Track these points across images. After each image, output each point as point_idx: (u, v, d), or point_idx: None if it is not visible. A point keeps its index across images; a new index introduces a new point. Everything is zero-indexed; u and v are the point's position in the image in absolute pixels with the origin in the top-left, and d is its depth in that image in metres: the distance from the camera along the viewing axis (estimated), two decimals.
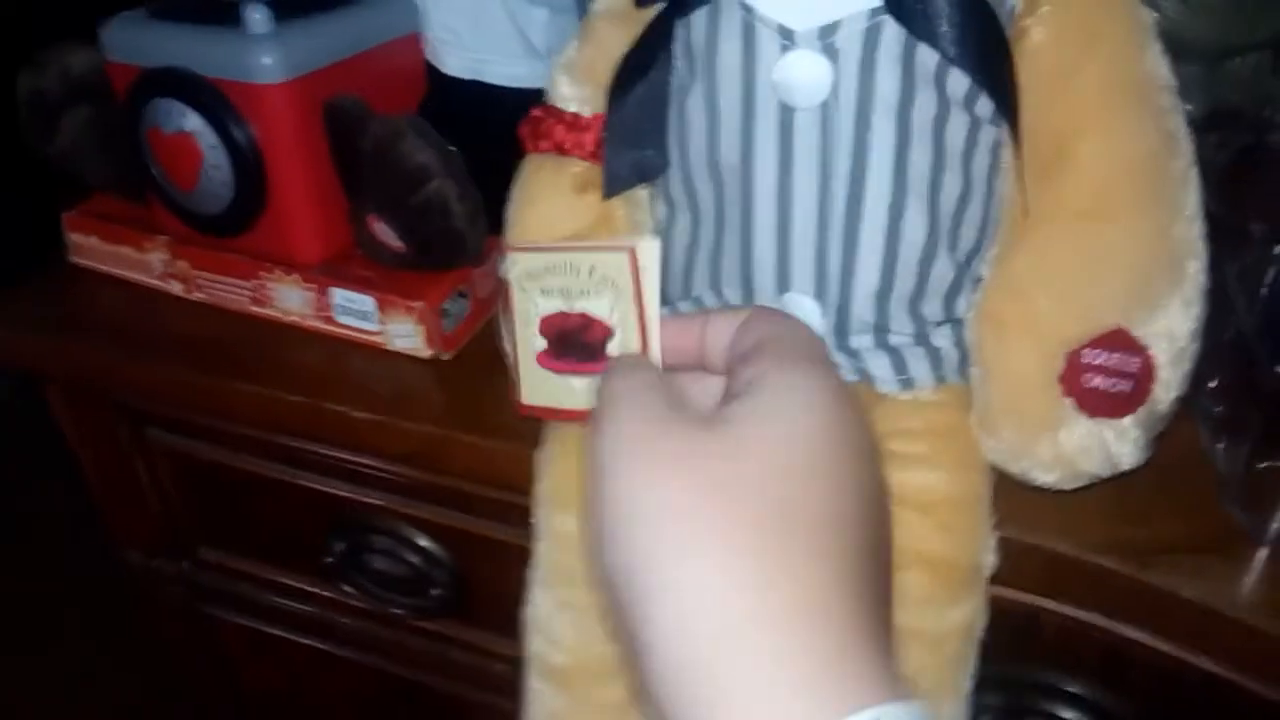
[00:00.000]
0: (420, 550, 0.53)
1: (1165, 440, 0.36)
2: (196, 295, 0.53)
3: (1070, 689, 0.44)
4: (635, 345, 0.32)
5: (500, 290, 0.35)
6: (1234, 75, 0.55)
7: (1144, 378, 0.34)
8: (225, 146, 0.45)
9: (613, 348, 0.32)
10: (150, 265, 0.54)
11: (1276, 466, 0.38)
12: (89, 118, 0.52)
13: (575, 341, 0.33)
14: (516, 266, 0.34)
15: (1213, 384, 0.41)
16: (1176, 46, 0.35)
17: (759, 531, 0.22)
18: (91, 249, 0.55)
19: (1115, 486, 0.36)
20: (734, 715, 0.20)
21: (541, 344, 0.34)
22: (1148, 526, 0.39)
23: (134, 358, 0.52)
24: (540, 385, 0.34)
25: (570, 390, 0.34)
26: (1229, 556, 0.38)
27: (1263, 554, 0.38)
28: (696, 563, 0.22)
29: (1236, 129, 0.54)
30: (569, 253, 0.33)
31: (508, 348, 0.36)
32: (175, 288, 0.54)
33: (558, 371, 0.34)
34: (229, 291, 0.52)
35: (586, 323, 0.33)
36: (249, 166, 0.46)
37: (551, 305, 0.33)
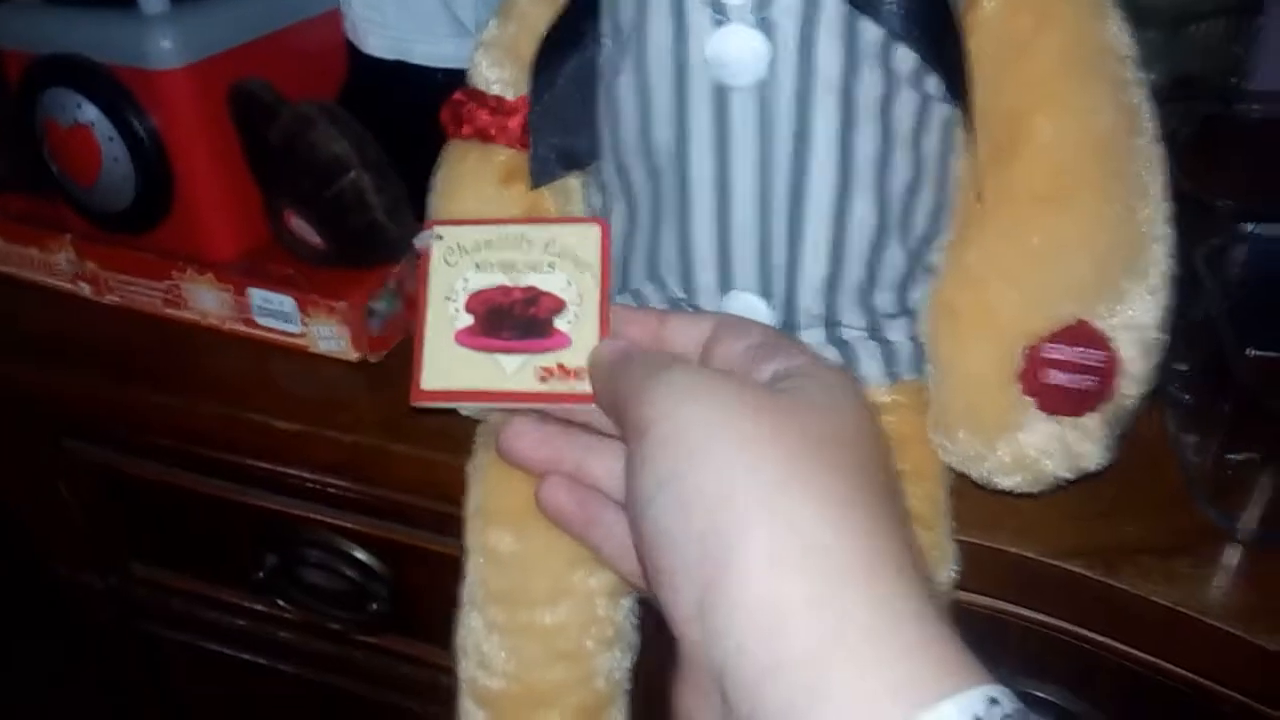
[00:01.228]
0: (356, 563, 0.51)
1: (1131, 433, 0.34)
2: (109, 298, 0.50)
3: (1040, 694, 0.42)
4: (593, 321, 0.31)
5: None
6: (1195, 42, 0.53)
7: (1108, 372, 0.32)
8: (124, 139, 0.42)
9: (564, 323, 0.31)
10: (58, 266, 0.50)
11: (1250, 459, 0.37)
12: None
13: (514, 317, 0.32)
14: (444, 240, 0.33)
15: (1181, 371, 0.39)
16: (1134, 12, 0.33)
17: (850, 484, 0.22)
18: None
19: (1081, 486, 0.34)
20: (836, 675, 0.19)
21: (466, 320, 0.32)
22: (1115, 527, 0.37)
23: (44, 366, 0.49)
24: (453, 367, 0.32)
25: (497, 369, 0.32)
26: (1200, 557, 0.36)
27: (1235, 553, 0.36)
28: (789, 497, 0.22)
29: (1199, 98, 0.52)
30: (521, 225, 0.33)
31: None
32: (85, 290, 0.50)
33: (484, 349, 0.32)
34: (141, 293, 0.48)
35: (533, 296, 0.32)
36: (151, 159, 0.42)
37: (488, 279, 0.32)
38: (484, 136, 0.37)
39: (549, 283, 0.32)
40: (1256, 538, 0.36)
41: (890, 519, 0.23)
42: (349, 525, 0.50)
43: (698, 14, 0.31)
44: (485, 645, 0.38)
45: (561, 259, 0.32)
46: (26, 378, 0.50)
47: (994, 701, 0.19)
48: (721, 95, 0.32)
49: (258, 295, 0.45)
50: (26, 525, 0.61)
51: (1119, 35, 0.32)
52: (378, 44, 0.48)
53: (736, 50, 0.31)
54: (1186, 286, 0.33)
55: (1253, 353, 0.40)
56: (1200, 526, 0.37)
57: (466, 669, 0.39)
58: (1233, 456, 0.37)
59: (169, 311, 0.48)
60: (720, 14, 0.31)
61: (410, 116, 0.43)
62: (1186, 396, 0.40)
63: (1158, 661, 0.37)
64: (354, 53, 0.49)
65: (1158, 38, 0.50)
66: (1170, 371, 0.39)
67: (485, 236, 0.33)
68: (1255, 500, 0.36)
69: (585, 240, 0.32)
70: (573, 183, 0.38)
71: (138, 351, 0.48)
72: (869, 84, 0.31)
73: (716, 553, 0.21)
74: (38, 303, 0.51)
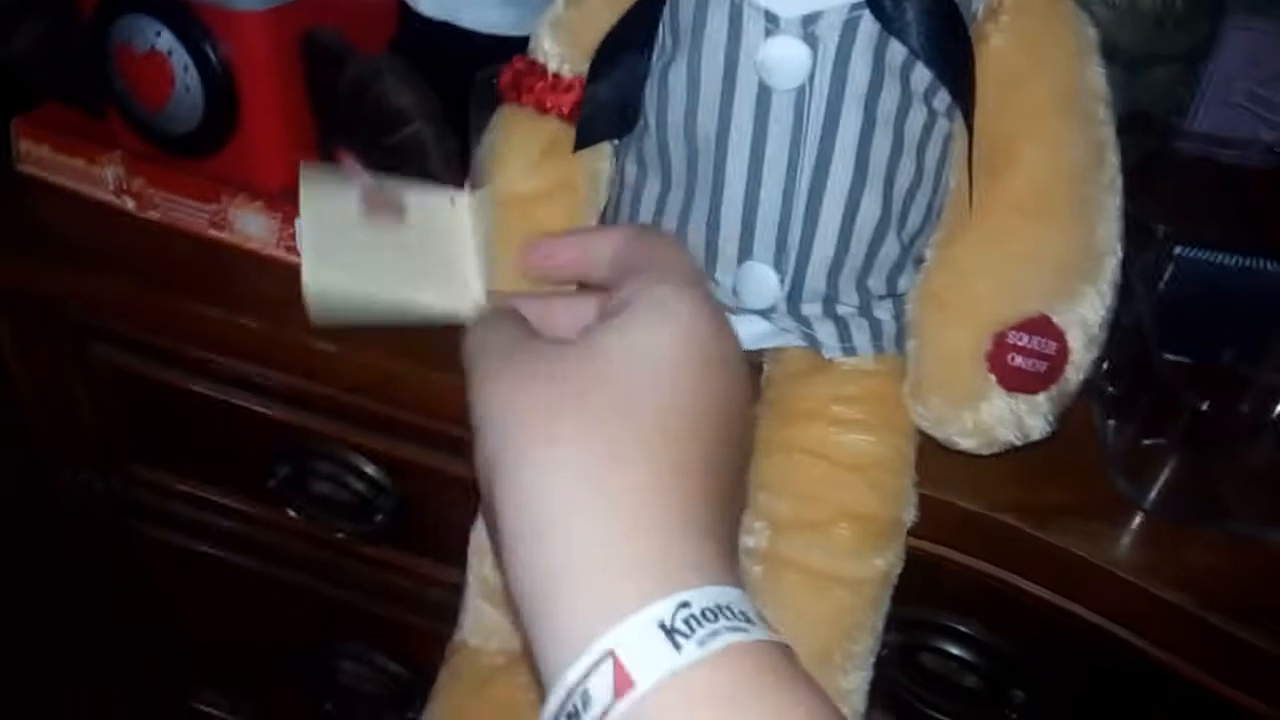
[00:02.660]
0: (365, 477, 0.55)
1: (1065, 416, 0.40)
2: (150, 214, 0.53)
3: (962, 629, 0.49)
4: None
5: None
6: (1151, 83, 0.60)
7: (1059, 360, 0.38)
8: (199, 70, 0.45)
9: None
10: (103, 179, 0.53)
11: (1159, 444, 0.44)
12: (48, 25, 0.51)
13: None
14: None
15: (1108, 366, 0.46)
16: (1106, 50, 0.38)
17: (605, 424, 0.25)
18: (41, 158, 0.54)
19: (1020, 454, 0.40)
20: (572, 586, 0.23)
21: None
22: (1046, 490, 0.43)
23: (83, 270, 0.52)
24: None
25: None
26: (1112, 521, 0.43)
27: (1140, 519, 0.43)
28: (548, 449, 0.24)
29: (1147, 133, 0.59)
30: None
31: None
32: (128, 204, 0.53)
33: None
34: (186, 213, 0.52)
35: None
36: (220, 92, 0.46)
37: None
38: (540, 108, 0.42)
39: None
40: (1159, 507, 0.43)
41: (644, 455, 0.25)
42: (362, 441, 0.54)
43: (752, 22, 0.36)
44: None
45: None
46: (59, 279, 0.53)
47: (684, 605, 0.22)
48: (764, 95, 0.37)
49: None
50: (33, 422, 0.63)
51: (1098, 79, 0.38)
52: (429, 5, 0.52)
53: (782, 57, 0.36)
54: (1121, 294, 0.40)
55: (1169, 357, 0.47)
56: (1115, 496, 0.43)
57: (479, 568, 0.43)
58: (1146, 441, 0.44)
59: (212, 233, 0.52)
60: (772, 24, 0.36)
61: (453, 76, 0.47)
62: (1111, 388, 0.47)
63: (1069, 604, 0.44)
64: (405, 11, 0.52)
65: (1120, 75, 0.56)
66: (1100, 366, 0.45)
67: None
68: (1159, 477, 0.43)
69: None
70: (602, 165, 0.43)
71: (177, 265, 0.51)
72: (889, 97, 0.37)
73: (489, 505, 0.25)
74: (78, 212, 0.54)
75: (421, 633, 0.61)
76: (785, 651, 0.23)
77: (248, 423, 0.56)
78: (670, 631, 0.21)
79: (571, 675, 0.22)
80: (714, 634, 0.22)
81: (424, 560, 0.58)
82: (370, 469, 0.55)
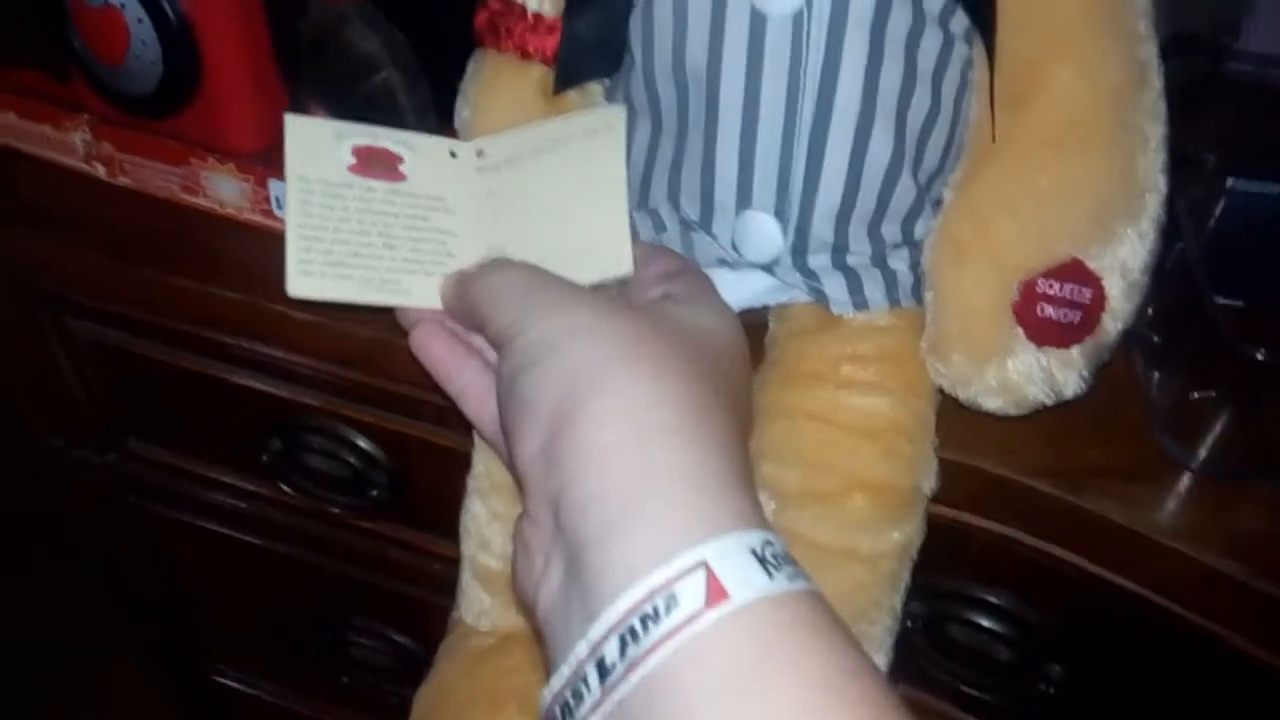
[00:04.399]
0: (359, 451, 0.53)
1: (1101, 369, 0.37)
2: (122, 180, 0.50)
3: (992, 600, 0.46)
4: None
5: None
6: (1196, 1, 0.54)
7: (1094, 309, 0.34)
8: (154, 22, 0.42)
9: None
10: (71, 145, 0.50)
11: (1209, 396, 0.40)
12: None
13: None
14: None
15: (1152, 312, 0.42)
16: None
17: (699, 374, 0.27)
18: (8, 125, 0.51)
19: (1053, 412, 0.37)
20: (668, 495, 0.24)
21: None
22: (1082, 452, 0.40)
23: (54, 242, 0.50)
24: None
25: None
26: (1156, 483, 0.39)
27: (1187, 481, 0.39)
28: (655, 373, 0.26)
29: (1194, 56, 0.54)
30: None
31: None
32: (99, 170, 0.51)
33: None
34: (157, 177, 0.49)
35: None
36: (179, 45, 0.43)
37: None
38: (522, 52, 0.38)
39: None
40: (1208, 466, 0.39)
41: (723, 410, 0.27)
42: (355, 415, 0.52)
43: None
44: (487, 531, 0.41)
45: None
46: (33, 252, 0.51)
47: (769, 543, 0.23)
48: (758, 23, 0.33)
49: (278, 187, 0.46)
50: (22, 398, 0.62)
51: None
52: None
53: None
54: (1165, 233, 0.36)
55: (1221, 300, 0.43)
56: (1159, 455, 0.40)
57: (469, 548, 0.41)
58: (1194, 394, 0.40)
59: (184, 197, 0.49)
60: None
61: (424, 21, 0.43)
62: (1155, 337, 0.43)
63: (1108, 574, 0.41)
64: None
65: None
66: (1143, 313, 0.42)
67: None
68: (1209, 433, 0.39)
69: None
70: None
71: (152, 233, 0.49)
72: (898, 21, 0.33)
73: (566, 408, 0.26)
74: (48, 180, 0.51)
75: (427, 606, 0.59)
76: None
77: (237, 396, 0.53)
78: (762, 560, 0.23)
79: (660, 575, 0.22)
80: (797, 575, 0.23)
81: (423, 534, 0.56)
82: (363, 442, 0.52)
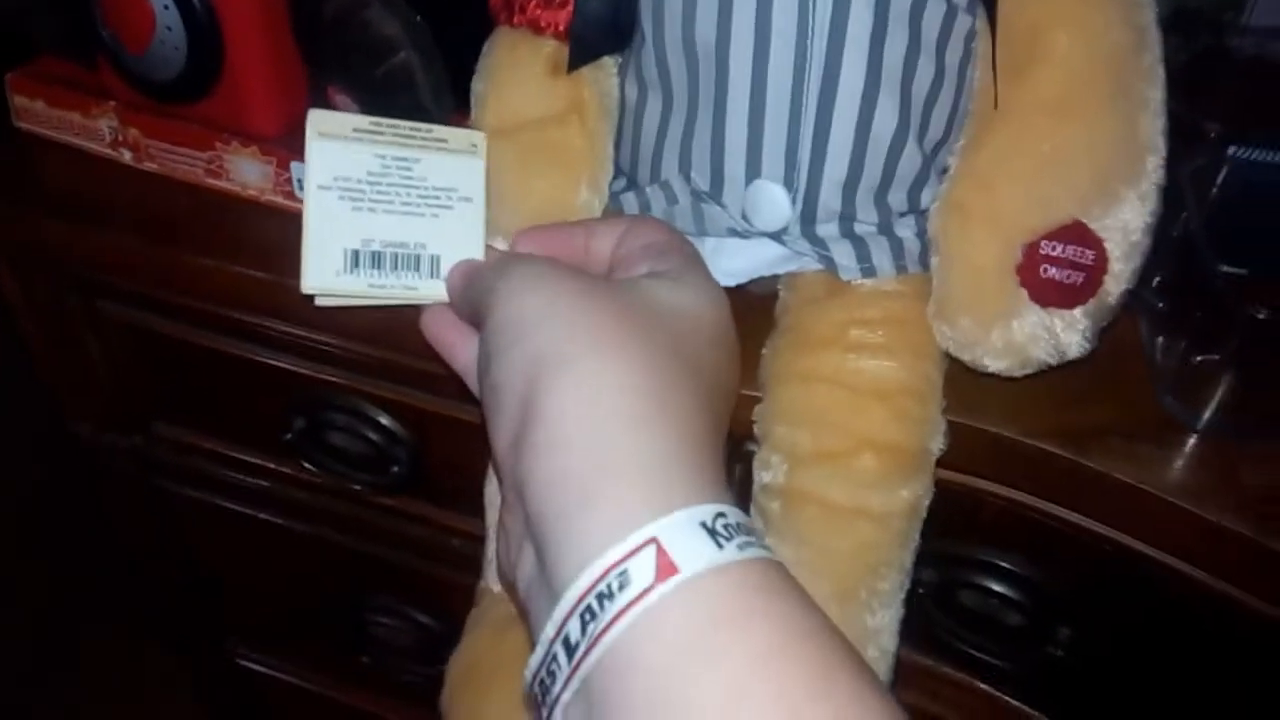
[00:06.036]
0: (381, 428, 0.54)
1: (1106, 332, 0.37)
2: (148, 165, 0.52)
3: (1002, 564, 0.47)
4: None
5: None
6: None
7: (1096, 270, 0.35)
8: (179, 8, 0.43)
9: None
10: (99, 132, 0.52)
11: (1210, 360, 0.40)
12: None
13: None
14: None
15: (1157, 280, 0.43)
16: None
17: (659, 351, 0.28)
18: (37, 113, 0.53)
19: (1058, 375, 0.37)
20: (620, 479, 0.25)
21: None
22: (1087, 412, 0.41)
23: (84, 226, 0.51)
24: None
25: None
26: (1161, 443, 0.40)
27: (1192, 441, 0.40)
28: (614, 353, 0.27)
29: (1197, 31, 0.54)
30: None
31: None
32: (126, 156, 0.52)
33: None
34: (182, 162, 0.50)
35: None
36: (204, 30, 0.44)
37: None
38: (535, 27, 0.39)
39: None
40: (1211, 428, 0.40)
41: (689, 389, 0.28)
42: (376, 391, 0.53)
43: None
44: None
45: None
46: (63, 237, 0.52)
47: (721, 515, 0.24)
48: None
49: (299, 169, 0.47)
50: (51, 383, 0.63)
51: None
52: None
53: None
54: (1169, 202, 0.37)
55: (1223, 268, 0.44)
56: (1163, 416, 0.40)
57: (492, 518, 0.42)
58: (1197, 357, 0.41)
59: (209, 181, 0.50)
60: None
61: (445, 5, 0.44)
62: (1160, 303, 0.44)
63: (1116, 534, 0.41)
64: None
65: None
66: (1147, 280, 0.42)
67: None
68: (1213, 396, 0.40)
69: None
70: (611, 81, 0.40)
71: (178, 216, 0.50)
72: None
73: (530, 396, 0.26)
74: (76, 166, 0.53)
75: (448, 583, 0.60)
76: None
77: (260, 375, 0.55)
78: (712, 532, 0.23)
79: (612, 555, 0.23)
80: (749, 543, 0.24)
81: (445, 511, 0.57)
82: (384, 419, 0.54)
